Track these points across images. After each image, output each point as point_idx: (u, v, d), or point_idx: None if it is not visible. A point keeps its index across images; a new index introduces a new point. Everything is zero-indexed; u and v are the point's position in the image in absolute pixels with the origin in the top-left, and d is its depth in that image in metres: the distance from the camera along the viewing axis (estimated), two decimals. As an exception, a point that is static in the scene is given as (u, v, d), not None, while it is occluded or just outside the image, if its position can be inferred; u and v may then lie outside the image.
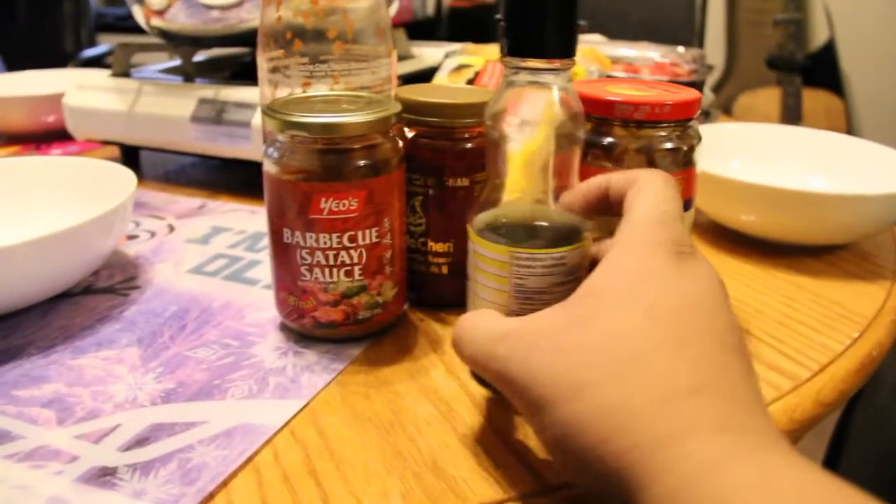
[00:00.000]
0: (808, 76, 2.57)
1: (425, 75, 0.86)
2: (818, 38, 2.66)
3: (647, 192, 0.37)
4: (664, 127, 0.45)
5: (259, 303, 0.53)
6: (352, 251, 0.45)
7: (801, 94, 2.54)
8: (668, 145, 0.45)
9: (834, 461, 1.12)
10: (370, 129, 0.43)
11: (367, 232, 0.45)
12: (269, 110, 0.44)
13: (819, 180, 0.72)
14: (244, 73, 0.90)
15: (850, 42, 2.62)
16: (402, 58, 0.91)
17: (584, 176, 0.42)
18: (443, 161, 0.49)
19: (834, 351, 0.49)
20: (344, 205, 0.43)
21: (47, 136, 1.00)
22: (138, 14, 0.80)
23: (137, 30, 0.84)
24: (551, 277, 0.40)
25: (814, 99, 2.57)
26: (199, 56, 0.93)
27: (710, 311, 0.33)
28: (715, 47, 2.78)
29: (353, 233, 0.44)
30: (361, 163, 0.44)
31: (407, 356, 0.47)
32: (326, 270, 0.45)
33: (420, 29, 1.05)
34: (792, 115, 2.51)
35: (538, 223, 0.42)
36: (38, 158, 0.65)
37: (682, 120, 0.45)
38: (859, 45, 2.62)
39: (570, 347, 0.32)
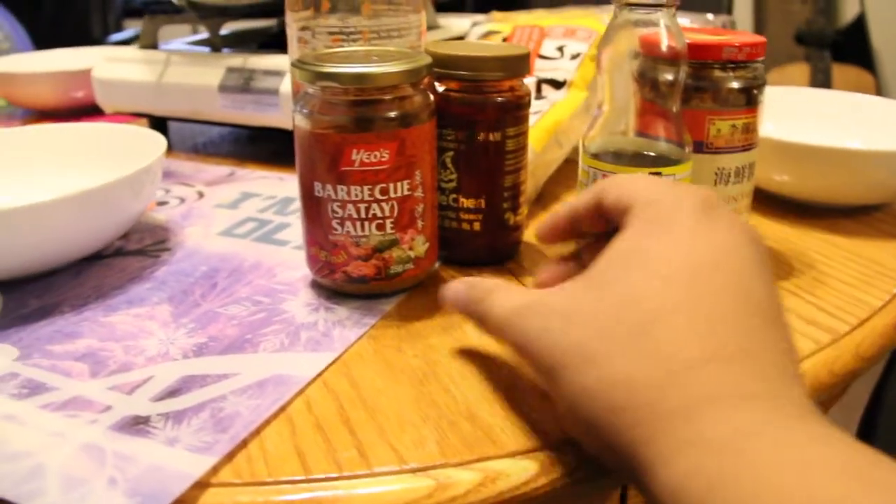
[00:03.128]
0: (838, 52, 2.53)
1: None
2: (848, 12, 2.62)
3: (643, 179, 0.36)
4: (753, 66, 0.49)
5: (289, 262, 0.53)
6: (383, 204, 0.44)
7: (830, 69, 2.50)
8: (760, 82, 0.49)
9: (866, 436, 1.10)
10: (401, 80, 0.43)
11: (399, 184, 0.44)
12: (300, 62, 0.43)
13: (853, 141, 0.70)
14: (271, 44, 0.90)
15: (881, 16, 2.57)
16: (428, 28, 0.90)
17: (689, 119, 0.47)
18: (474, 115, 0.48)
19: (872, 306, 0.48)
20: (375, 156, 0.43)
21: (77, 111, 1.01)
22: (166, -15, 0.80)
23: (162, 13, 0.84)
24: None
25: (844, 75, 2.53)
26: (226, 29, 0.93)
27: (737, 269, 0.31)
28: (743, 23, 2.75)
29: (384, 185, 0.44)
30: (392, 114, 0.43)
31: (439, 311, 0.46)
32: (358, 224, 0.44)
33: (444, 8, 1.04)
34: (822, 92, 2.47)
35: (645, 151, 0.46)
36: (71, 126, 0.65)
37: (761, 59, 0.50)
38: (891, 20, 2.58)
39: (582, 317, 0.31)
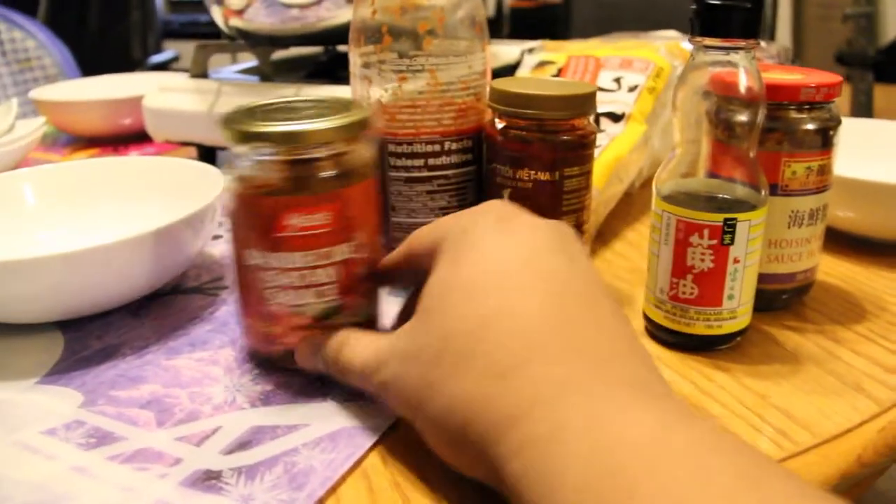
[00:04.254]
0: (880, 72, 2.50)
1: (503, 73, 0.84)
2: (890, 31, 2.59)
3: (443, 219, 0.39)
4: (828, 107, 0.48)
5: (350, 303, 0.52)
6: (327, 269, 0.41)
7: (872, 90, 2.47)
8: (836, 123, 0.48)
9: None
10: (338, 136, 0.40)
11: (340, 247, 0.41)
12: (227, 121, 0.40)
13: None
14: (320, 72, 0.89)
15: (924, 36, 2.54)
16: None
17: (763, 160, 0.46)
18: (531, 153, 0.47)
19: (955, 353, 0.46)
20: (314, 220, 0.40)
21: (124, 138, 1.01)
22: (217, 14, 0.80)
23: (201, 35, 0.84)
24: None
25: (886, 95, 2.49)
26: (274, 56, 0.93)
27: (546, 266, 0.33)
28: (781, 44, 2.72)
29: (325, 250, 0.41)
30: (330, 173, 0.40)
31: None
32: (293, 292, 0.41)
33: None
34: (863, 112, 2.44)
35: (719, 194, 0.45)
36: (125, 159, 0.65)
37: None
38: (934, 40, 2.54)
39: (416, 355, 0.33)
